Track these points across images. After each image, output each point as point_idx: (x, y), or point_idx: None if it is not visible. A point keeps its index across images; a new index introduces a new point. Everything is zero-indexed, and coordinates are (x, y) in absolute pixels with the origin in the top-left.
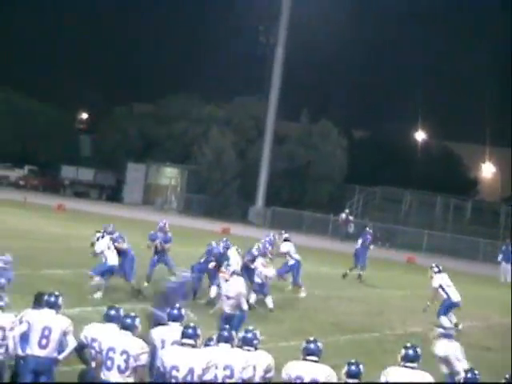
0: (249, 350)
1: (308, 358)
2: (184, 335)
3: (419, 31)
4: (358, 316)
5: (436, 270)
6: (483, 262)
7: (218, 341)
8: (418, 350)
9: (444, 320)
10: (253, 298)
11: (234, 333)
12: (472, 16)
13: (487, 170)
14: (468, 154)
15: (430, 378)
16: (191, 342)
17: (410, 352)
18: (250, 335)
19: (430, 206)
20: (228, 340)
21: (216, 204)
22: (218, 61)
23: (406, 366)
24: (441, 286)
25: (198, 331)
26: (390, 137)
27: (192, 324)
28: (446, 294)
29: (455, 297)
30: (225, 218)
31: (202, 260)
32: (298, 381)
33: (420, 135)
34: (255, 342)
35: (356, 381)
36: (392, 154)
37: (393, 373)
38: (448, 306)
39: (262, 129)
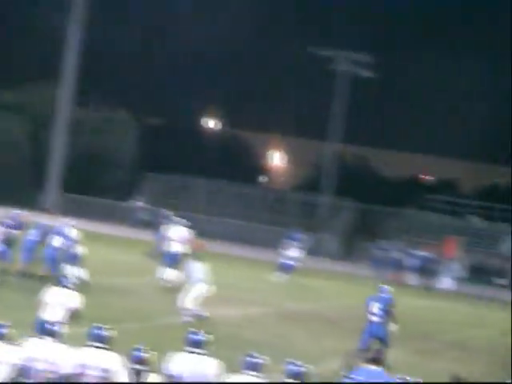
0: None
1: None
2: None
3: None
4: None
5: None
6: (272, 248)
7: None
8: (204, 335)
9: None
10: None
11: None
12: None
13: (276, 158)
14: (257, 143)
15: (215, 365)
16: None
17: (196, 337)
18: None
19: (222, 193)
20: None
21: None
22: (11, 45)
23: (193, 352)
24: None
25: None
26: (184, 124)
27: None
28: None
29: None
30: (15, 204)
31: None
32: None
33: (211, 123)
34: None
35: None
36: (185, 142)
37: (177, 359)
38: None
39: (56, 115)
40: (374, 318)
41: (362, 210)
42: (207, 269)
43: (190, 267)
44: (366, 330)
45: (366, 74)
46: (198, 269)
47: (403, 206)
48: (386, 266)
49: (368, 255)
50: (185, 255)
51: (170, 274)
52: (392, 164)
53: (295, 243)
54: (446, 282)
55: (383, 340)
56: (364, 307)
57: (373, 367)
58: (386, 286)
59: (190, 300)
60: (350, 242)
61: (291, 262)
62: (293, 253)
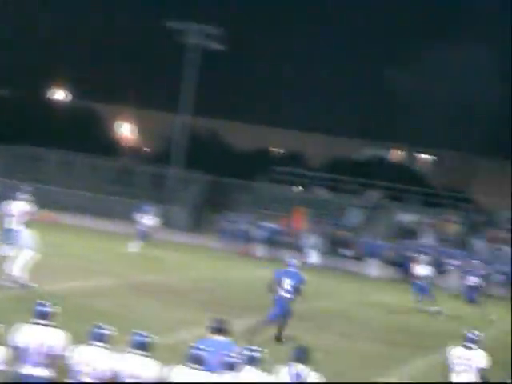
0: None
1: None
2: None
3: None
4: None
5: None
6: (122, 219)
7: None
8: (52, 306)
9: None
10: None
11: None
12: None
13: (126, 130)
14: (107, 114)
15: (62, 336)
16: None
17: (43, 309)
18: None
19: (72, 165)
20: None
21: None
22: None
23: (38, 323)
24: None
25: None
26: (33, 95)
27: None
28: None
29: None
30: None
31: None
32: None
33: (60, 94)
34: None
35: None
36: (34, 113)
37: (23, 331)
38: None
39: None
40: (285, 294)
41: (212, 183)
42: (36, 236)
43: (19, 236)
44: (276, 305)
45: (216, 46)
46: (27, 236)
47: (252, 179)
48: (235, 238)
49: (217, 227)
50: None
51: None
52: (241, 137)
53: (146, 215)
54: (313, 257)
55: (287, 316)
56: (213, 279)
57: (219, 337)
58: (294, 261)
59: (18, 267)
60: (200, 214)
61: (146, 231)
62: (147, 222)
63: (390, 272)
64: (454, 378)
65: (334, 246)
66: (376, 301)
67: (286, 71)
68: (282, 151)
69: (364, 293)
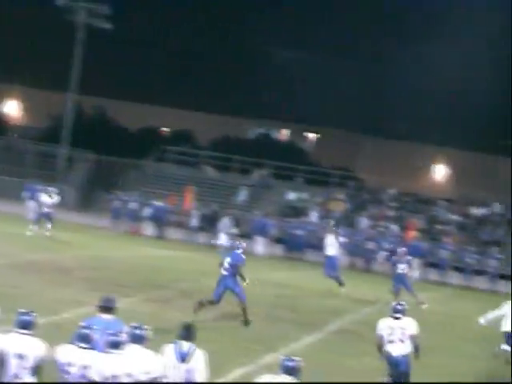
0: None
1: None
2: None
3: None
4: None
5: None
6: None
7: None
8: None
9: None
10: None
11: None
12: None
13: (14, 109)
14: None
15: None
16: None
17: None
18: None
19: None
20: None
21: None
22: None
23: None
24: None
25: None
26: None
27: None
28: None
29: None
30: None
31: None
32: None
33: None
34: None
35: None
36: None
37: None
38: None
39: None
40: (224, 272)
41: (101, 162)
42: None
43: None
44: (220, 283)
45: (104, 25)
46: None
47: (141, 158)
48: (123, 217)
49: (107, 207)
50: None
51: None
52: (130, 116)
53: (46, 195)
54: (222, 238)
55: (234, 290)
56: (101, 258)
57: (107, 316)
58: (242, 244)
59: None
60: (89, 193)
61: (47, 210)
62: (46, 200)
63: (278, 250)
64: (389, 348)
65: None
66: (264, 278)
67: (175, 50)
68: (170, 130)
69: (251, 270)
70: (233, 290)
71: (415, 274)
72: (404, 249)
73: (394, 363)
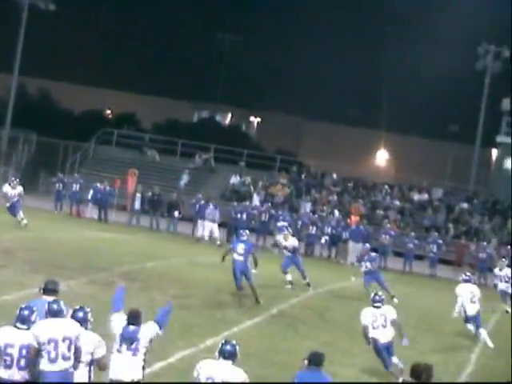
0: None
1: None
2: None
3: None
4: None
5: None
6: None
7: None
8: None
9: None
10: None
11: None
12: None
13: None
14: None
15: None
16: None
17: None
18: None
19: None
20: None
21: None
22: None
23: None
24: None
25: None
26: None
27: None
28: None
29: None
30: None
31: None
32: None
33: None
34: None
35: None
36: None
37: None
38: None
39: None
40: (239, 257)
41: (44, 144)
42: None
43: None
44: (236, 270)
45: (47, 6)
46: None
47: (84, 140)
48: (66, 199)
49: (49, 189)
50: None
51: None
52: (74, 98)
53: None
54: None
55: (246, 273)
56: (43, 240)
57: (49, 298)
58: (245, 231)
59: None
60: (32, 175)
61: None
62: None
63: (221, 234)
64: (373, 334)
65: (161, 208)
66: (205, 262)
67: (118, 32)
68: (114, 113)
69: (193, 254)
70: (246, 273)
71: (355, 258)
72: (367, 246)
73: (381, 349)
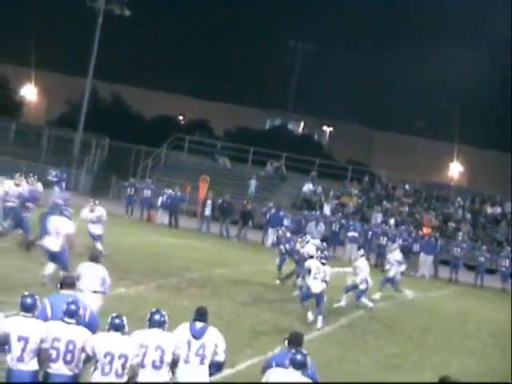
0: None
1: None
2: None
3: None
4: None
5: None
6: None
7: None
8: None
9: None
10: None
11: None
12: None
13: (32, 93)
14: (14, 77)
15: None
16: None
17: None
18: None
19: None
20: None
21: None
22: None
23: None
24: None
25: None
26: None
27: None
28: None
29: None
30: None
31: None
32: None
33: None
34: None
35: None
36: None
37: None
38: None
39: None
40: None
41: (116, 148)
42: None
43: None
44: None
45: (123, 11)
46: None
47: (156, 145)
48: (137, 204)
49: (120, 193)
50: None
51: None
52: (146, 103)
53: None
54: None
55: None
56: (113, 245)
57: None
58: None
59: None
60: (103, 179)
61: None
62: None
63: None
64: (310, 282)
65: (231, 215)
66: (274, 270)
67: (193, 40)
68: (186, 119)
69: (262, 262)
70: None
71: (426, 271)
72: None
73: (311, 296)
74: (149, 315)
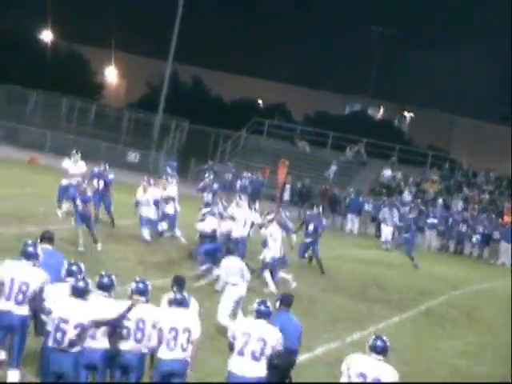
0: None
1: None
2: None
3: None
4: None
5: None
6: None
7: None
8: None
9: None
10: None
11: None
12: None
13: (112, 75)
14: (95, 58)
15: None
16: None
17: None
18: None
19: (56, 107)
20: None
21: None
22: None
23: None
24: None
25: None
26: (17, 35)
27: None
28: None
29: None
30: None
31: None
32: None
33: (48, 35)
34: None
35: None
36: (18, 53)
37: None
38: None
39: None
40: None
41: (195, 131)
42: None
43: None
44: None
45: None
46: None
47: (235, 129)
48: (218, 187)
49: (200, 176)
50: None
51: None
52: (225, 86)
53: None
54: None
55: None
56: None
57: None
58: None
59: None
60: (183, 162)
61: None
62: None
63: (371, 228)
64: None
65: (311, 199)
66: (352, 255)
67: (273, 24)
68: (265, 103)
69: (340, 247)
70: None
71: (507, 259)
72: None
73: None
74: (256, 305)
